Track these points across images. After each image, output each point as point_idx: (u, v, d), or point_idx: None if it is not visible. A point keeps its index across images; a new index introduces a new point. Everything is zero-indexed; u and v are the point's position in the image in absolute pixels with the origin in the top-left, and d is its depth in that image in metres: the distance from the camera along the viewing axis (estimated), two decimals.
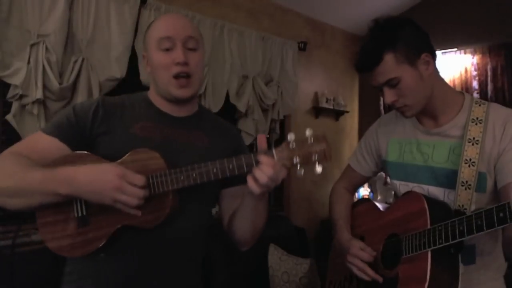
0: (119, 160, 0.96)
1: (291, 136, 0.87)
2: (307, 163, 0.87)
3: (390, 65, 1.07)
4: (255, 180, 0.87)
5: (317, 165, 0.86)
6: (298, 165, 0.87)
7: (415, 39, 1.09)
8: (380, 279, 1.14)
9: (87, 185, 0.86)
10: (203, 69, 1.10)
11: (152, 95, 1.11)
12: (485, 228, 0.89)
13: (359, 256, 1.18)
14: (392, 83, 1.09)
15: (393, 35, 1.08)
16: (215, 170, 0.90)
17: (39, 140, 1.00)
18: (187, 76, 1.02)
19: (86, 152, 0.98)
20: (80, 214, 0.95)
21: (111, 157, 0.95)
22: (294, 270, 2.50)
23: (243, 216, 1.04)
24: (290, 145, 0.87)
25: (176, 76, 1.01)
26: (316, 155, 0.86)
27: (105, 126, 1.02)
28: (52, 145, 0.98)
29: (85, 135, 1.00)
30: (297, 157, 0.87)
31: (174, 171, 0.91)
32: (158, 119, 1.07)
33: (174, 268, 1.01)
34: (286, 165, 0.87)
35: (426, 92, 1.11)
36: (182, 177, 0.91)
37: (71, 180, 0.87)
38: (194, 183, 0.91)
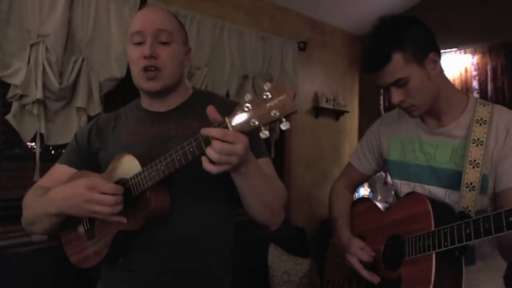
0: (105, 172, 1.01)
1: (246, 97, 0.76)
2: (269, 121, 0.75)
3: (398, 65, 1.05)
4: (209, 159, 0.79)
5: (283, 121, 0.74)
6: (261, 127, 0.76)
7: (422, 38, 1.08)
8: (376, 280, 1.14)
9: (64, 201, 0.93)
10: (178, 61, 1.05)
11: (141, 96, 1.14)
12: (493, 232, 0.88)
13: (358, 255, 1.17)
14: (400, 83, 1.07)
15: (401, 34, 1.06)
16: (178, 157, 0.84)
17: (54, 170, 1.15)
18: (156, 69, 1.01)
19: (86, 170, 1.07)
20: (86, 228, 1.03)
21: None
22: (294, 270, 2.50)
23: (246, 197, 0.98)
24: (245, 107, 0.76)
25: (145, 69, 1.01)
26: (276, 111, 0.73)
27: (99, 143, 1.10)
28: (64, 172, 1.11)
29: (88, 155, 1.11)
30: (255, 119, 0.75)
31: (146, 168, 0.90)
32: (146, 120, 1.09)
33: (191, 268, 1.01)
34: (245, 130, 0.77)
35: (433, 91, 1.10)
36: (153, 172, 0.89)
37: (53, 199, 0.96)
38: (164, 175, 0.88)
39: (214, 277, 1.06)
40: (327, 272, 1.46)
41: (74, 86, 2.12)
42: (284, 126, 0.75)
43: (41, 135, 2.02)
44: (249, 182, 0.92)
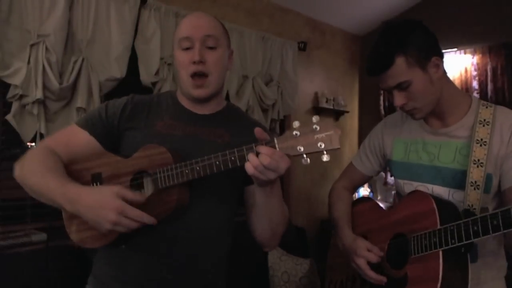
0: (131, 157, 1.01)
1: (295, 124, 0.83)
2: (313, 151, 0.82)
3: (401, 69, 1.07)
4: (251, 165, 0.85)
5: (324, 153, 0.81)
6: (304, 154, 0.82)
7: (425, 42, 1.10)
8: (384, 281, 1.14)
9: (87, 211, 0.91)
10: (223, 65, 1.10)
11: (178, 92, 1.16)
12: (502, 229, 0.90)
13: (366, 257, 1.17)
14: (403, 87, 1.09)
15: (405, 38, 1.08)
16: (217, 162, 0.89)
17: (71, 133, 1.08)
18: (204, 75, 1.04)
19: (108, 152, 1.04)
20: None
21: (133, 152, 1.01)
22: (294, 270, 2.50)
23: (257, 214, 1.04)
24: (294, 133, 0.83)
25: (193, 75, 1.04)
26: (322, 143, 0.81)
27: (131, 122, 1.08)
28: (83, 138, 1.06)
29: (114, 130, 1.08)
30: (301, 146, 0.82)
31: (180, 165, 0.92)
32: (181, 117, 1.10)
33: (190, 264, 1.02)
34: (289, 154, 0.83)
35: (436, 95, 1.12)
36: (186, 171, 0.92)
37: (74, 201, 0.92)
38: (198, 176, 0.91)
39: (213, 277, 1.08)
40: (329, 272, 1.46)
41: (74, 86, 2.12)
42: (325, 158, 0.81)
43: (41, 135, 2.02)
44: (269, 202, 0.98)
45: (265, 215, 1.02)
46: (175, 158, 0.95)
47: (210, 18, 1.10)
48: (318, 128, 0.82)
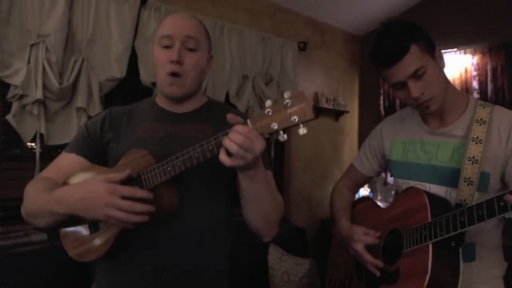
0: (116, 166, 1.01)
1: (268, 103, 0.82)
2: (288, 126, 0.80)
3: (416, 55, 1.08)
4: (226, 151, 0.84)
5: (300, 126, 0.79)
6: (280, 131, 0.81)
7: (427, 35, 1.13)
8: (380, 264, 1.15)
9: (79, 202, 0.91)
10: (201, 69, 1.10)
11: (157, 95, 1.17)
12: (486, 218, 0.91)
13: (364, 240, 1.18)
14: (419, 74, 1.08)
15: (413, 29, 1.11)
16: (196, 154, 0.89)
17: (60, 159, 1.13)
18: (178, 75, 1.04)
19: (96, 165, 1.06)
20: (90, 221, 1.00)
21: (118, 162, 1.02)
22: (294, 270, 2.50)
23: (246, 201, 1.02)
24: (266, 111, 0.81)
25: (170, 75, 1.04)
26: (296, 116, 0.79)
27: (112, 134, 1.09)
28: (71, 160, 1.09)
29: (98, 145, 1.10)
30: (275, 123, 0.80)
31: (161, 164, 0.93)
32: (161, 118, 1.11)
33: (192, 265, 1.02)
34: (264, 132, 0.82)
35: (445, 85, 1.14)
36: (168, 168, 0.92)
37: (64, 199, 0.93)
38: (179, 171, 0.91)
39: (214, 275, 1.07)
40: (329, 271, 1.48)
41: (74, 86, 2.12)
42: (302, 131, 0.79)
43: (41, 135, 2.02)
44: (254, 187, 0.96)
45: (254, 201, 1.00)
46: (156, 159, 0.95)
47: (194, 21, 1.10)
48: (290, 102, 0.80)
